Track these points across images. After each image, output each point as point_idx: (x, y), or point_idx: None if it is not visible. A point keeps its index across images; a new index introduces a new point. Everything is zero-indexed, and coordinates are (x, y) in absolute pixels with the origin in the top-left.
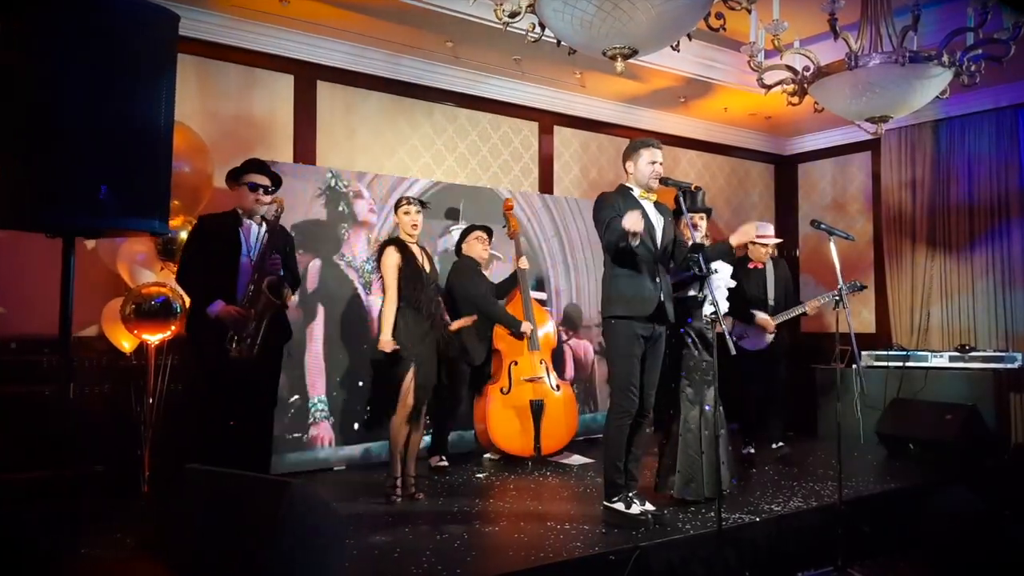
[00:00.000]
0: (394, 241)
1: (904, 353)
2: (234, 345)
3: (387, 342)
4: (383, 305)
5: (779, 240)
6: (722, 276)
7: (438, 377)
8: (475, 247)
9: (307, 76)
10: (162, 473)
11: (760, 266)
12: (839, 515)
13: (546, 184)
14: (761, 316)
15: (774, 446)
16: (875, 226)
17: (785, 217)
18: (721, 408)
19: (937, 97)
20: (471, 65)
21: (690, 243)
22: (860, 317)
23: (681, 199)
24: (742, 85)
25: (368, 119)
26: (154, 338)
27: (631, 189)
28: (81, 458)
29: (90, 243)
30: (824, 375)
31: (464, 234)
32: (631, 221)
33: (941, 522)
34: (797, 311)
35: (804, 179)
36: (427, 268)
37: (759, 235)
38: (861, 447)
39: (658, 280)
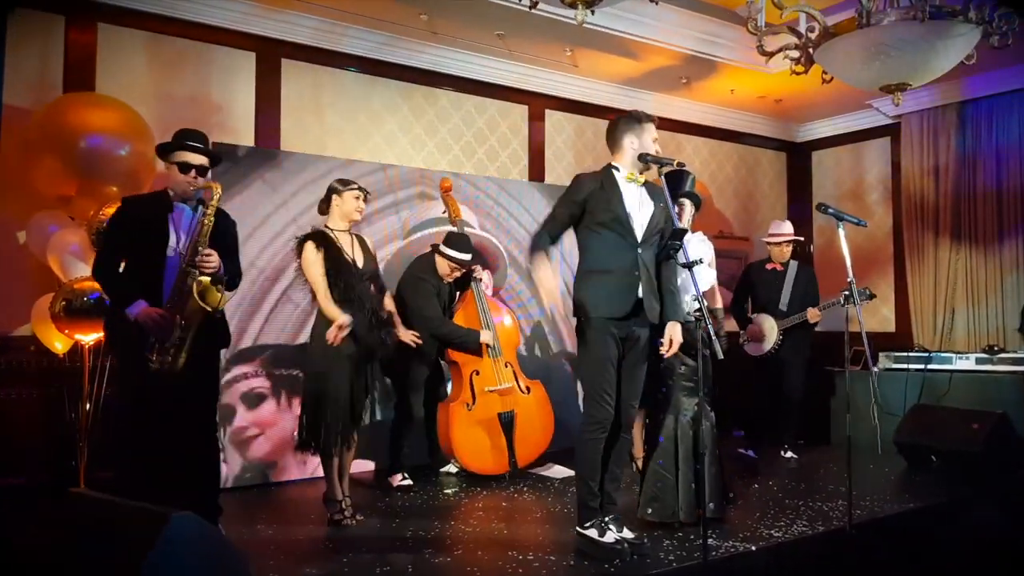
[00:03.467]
0: (313, 235)
1: (926, 355)
2: (156, 355)
3: (344, 320)
4: (317, 305)
5: (793, 238)
6: (704, 267)
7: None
8: (443, 267)
9: (270, 54)
10: (99, 486)
11: (779, 268)
12: (849, 540)
13: (537, 172)
14: (760, 320)
15: (783, 453)
16: (895, 217)
17: (798, 208)
18: (710, 421)
19: (963, 63)
20: (451, 42)
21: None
22: (879, 315)
23: (664, 180)
24: (748, 63)
25: (339, 101)
26: (88, 338)
27: (617, 170)
28: (9, 469)
29: (21, 236)
30: (838, 379)
31: (454, 244)
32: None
33: (966, 545)
34: (798, 319)
35: (818, 167)
36: (360, 259)
37: (770, 233)
38: (878, 458)
39: (637, 273)
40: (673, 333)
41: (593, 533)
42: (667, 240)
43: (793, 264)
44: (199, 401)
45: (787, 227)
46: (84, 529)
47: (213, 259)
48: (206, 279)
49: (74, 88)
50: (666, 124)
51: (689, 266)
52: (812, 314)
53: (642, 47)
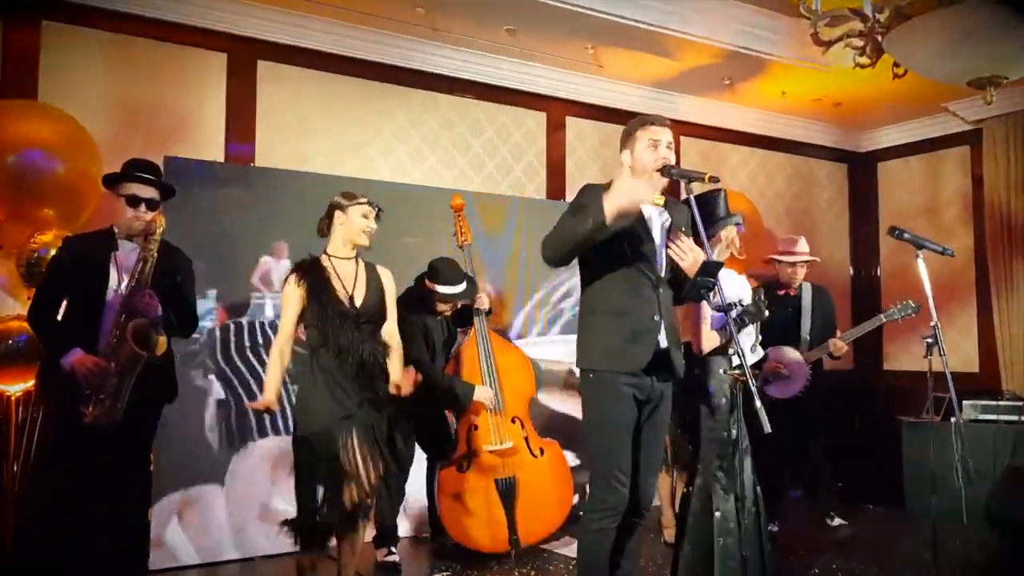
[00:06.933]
0: (299, 266)
1: (1021, 403)
2: (90, 407)
3: (268, 400)
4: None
5: (810, 258)
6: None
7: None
8: (434, 301)
9: (244, 54)
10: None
11: (793, 293)
12: None
13: (556, 188)
14: (780, 354)
15: (830, 522)
16: (977, 238)
17: (862, 228)
18: (759, 488)
19: None
20: (454, 40)
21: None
22: (959, 351)
23: (693, 202)
24: (801, 59)
25: (325, 108)
26: (15, 388)
27: None
28: None
29: None
30: (914, 431)
31: (441, 277)
32: (622, 197)
33: None
34: (819, 352)
35: (885, 181)
36: (360, 297)
37: (783, 251)
38: (962, 530)
39: (658, 318)
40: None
41: None
42: (696, 277)
43: (807, 287)
44: (130, 458)
45: (803, 245)
46: None
47: (153, 302)
48: (143, 322)
49: (13, 96)
50: (706, 131)
51: (726, 309)
52: (836, 347)
53: (676, 43)
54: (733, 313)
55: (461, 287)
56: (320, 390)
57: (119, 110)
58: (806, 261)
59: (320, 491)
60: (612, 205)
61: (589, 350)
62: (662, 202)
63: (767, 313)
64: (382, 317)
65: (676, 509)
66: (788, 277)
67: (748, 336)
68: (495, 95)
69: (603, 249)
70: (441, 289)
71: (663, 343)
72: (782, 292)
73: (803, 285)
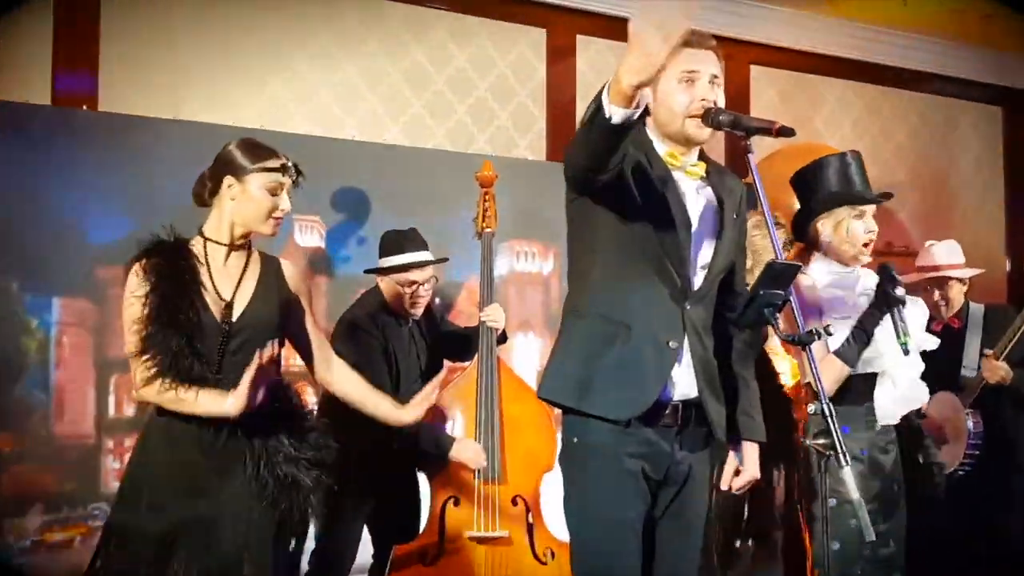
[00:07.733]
0: (155, 250)
1: None
2: None
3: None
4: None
5: (969, 271)
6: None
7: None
8: (392, 292)
9: None
10: None
11: (955, 324)
12: None
13: (561, 144)
14: (941, 406)
15: None
16: None
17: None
18: None
19: None
20: None
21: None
22: None
23: (753, 166)
24: None
25: (209, 25)
26: None
27: (651, 142)
28: None
29: None
30: None
31: (384, 249)
32: (632, 60)
33: None
34: (977, 385)
35: None
36: (242, 304)
37: (926, 265)
38: None
39: (676, 344)
40: (747, 461)
41: None
42: (759, 290)
43: (975, 311)
44: None
45: (944, 252)
46: None
47: None
48: None
49: None
50: (790, 59)
51: (803, 342)
52: (989, 368)
53: None
54: (817, 343)
55: (425, 253)
56: (157, 461)
57: None
58: (968, 274)
59: None
60: (620, 74)
61: (557, 373)
62: (702, 171)
63: (903, 293)
64: (270, 337)
65: None
66: (947, 301)
67: (890, 350)
68: (470, 4)
69: (608, 221)
70: (398, 260)
71: (687, 387)
72: (936, 327)
73: (969, 308)
